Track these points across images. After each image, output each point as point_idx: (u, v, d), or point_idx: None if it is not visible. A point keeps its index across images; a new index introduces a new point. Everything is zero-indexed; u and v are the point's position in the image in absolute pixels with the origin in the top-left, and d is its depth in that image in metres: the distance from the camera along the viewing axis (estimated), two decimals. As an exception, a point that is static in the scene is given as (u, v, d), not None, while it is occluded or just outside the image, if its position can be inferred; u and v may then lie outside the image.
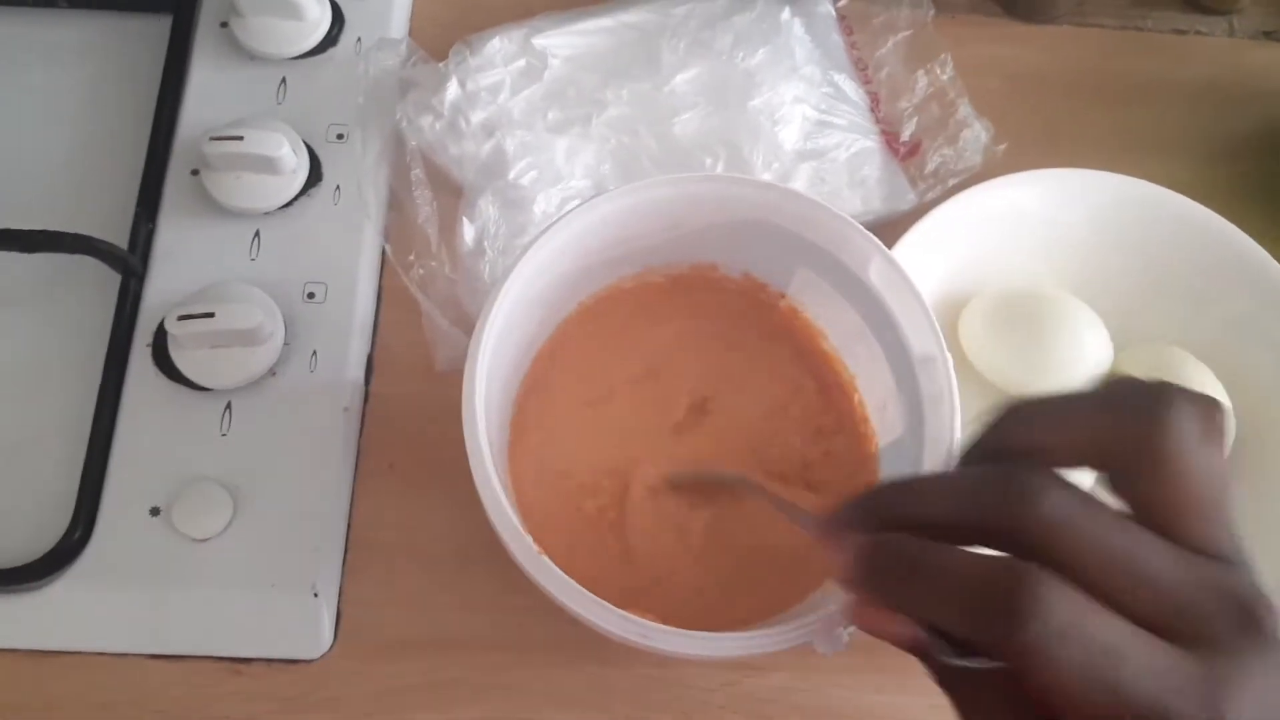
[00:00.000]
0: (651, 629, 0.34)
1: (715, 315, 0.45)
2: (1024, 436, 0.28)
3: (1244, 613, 0.25)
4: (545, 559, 0.35)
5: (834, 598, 0.35)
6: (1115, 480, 0.27)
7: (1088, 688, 0.24)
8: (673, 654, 0.34)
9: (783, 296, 0.45)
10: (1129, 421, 0.27)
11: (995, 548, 0.26)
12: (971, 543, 0.27)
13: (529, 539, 0.35)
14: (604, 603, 0.34)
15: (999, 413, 0.28)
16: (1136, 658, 0.24)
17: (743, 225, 0.42)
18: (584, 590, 0.34)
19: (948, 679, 0.28)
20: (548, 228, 0.39)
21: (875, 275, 0.40)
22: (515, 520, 0.35)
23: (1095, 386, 0.28)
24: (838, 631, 0.34)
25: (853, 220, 0.41)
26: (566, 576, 0.35)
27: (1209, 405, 0.27)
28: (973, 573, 0.25)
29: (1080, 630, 0.24)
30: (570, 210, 0.40)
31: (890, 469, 0.42)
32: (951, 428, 0.38)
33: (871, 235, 0.40)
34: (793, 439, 0.44)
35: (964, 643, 0.27)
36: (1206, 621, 0.25)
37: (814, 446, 0.43)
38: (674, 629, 0.34)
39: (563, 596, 0.34)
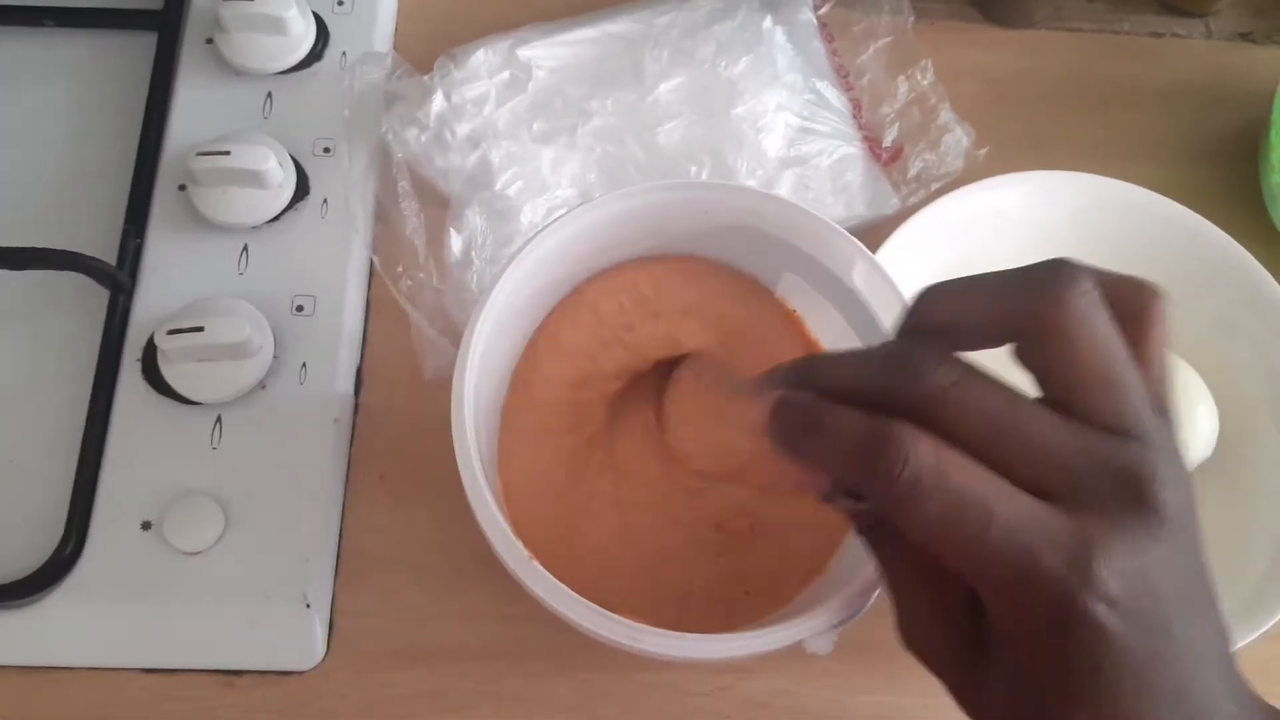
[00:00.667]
0: (642, 631, 0.34)
1: (706, 316, 0.46)
2: (936, 314, 0.29)
3: (1131, 483, 0.26)
4: (536, 564, 0.35)
5: (824, 601, 0.36)
6: (1021, 354, 0.28)
7: (951, 537, 0.26)
8: (663, 656, 0.35)
9: (772, 298, 0.45)
10: (1031, 294, 0.28)
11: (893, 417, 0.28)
12: (869, 410, 0.28)
13: (519, 544, 0.35)
14: (594, 606, 0.34)
15: (916, 294, 0.30)
16: (1005, 511, 0.25)
17: (727, 231, 0.43)
18: (575, 595, 0.35)
19: (862, 529, 0.32)
20: (534, 236, 0.40)
21: (859, 278, 0.41)
22: (505, 526, 0.35)
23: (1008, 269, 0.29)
24: (828, 633, 0.35)
25: (835, 224, 0.41)
26: (557, 581, 0.35)
27: (1134, 284, 0.29)
28: (853, 429, 0.27)
29: (944, 482, 0.26)
30: (556, 219, 0.40)
31: None
32: None
33: (854, 239, 0.41)
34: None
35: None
36: (1088, 488, 0.26)
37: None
38: (664, 631, 0.34)
39: (554, 602, 0.35)
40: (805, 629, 0.35)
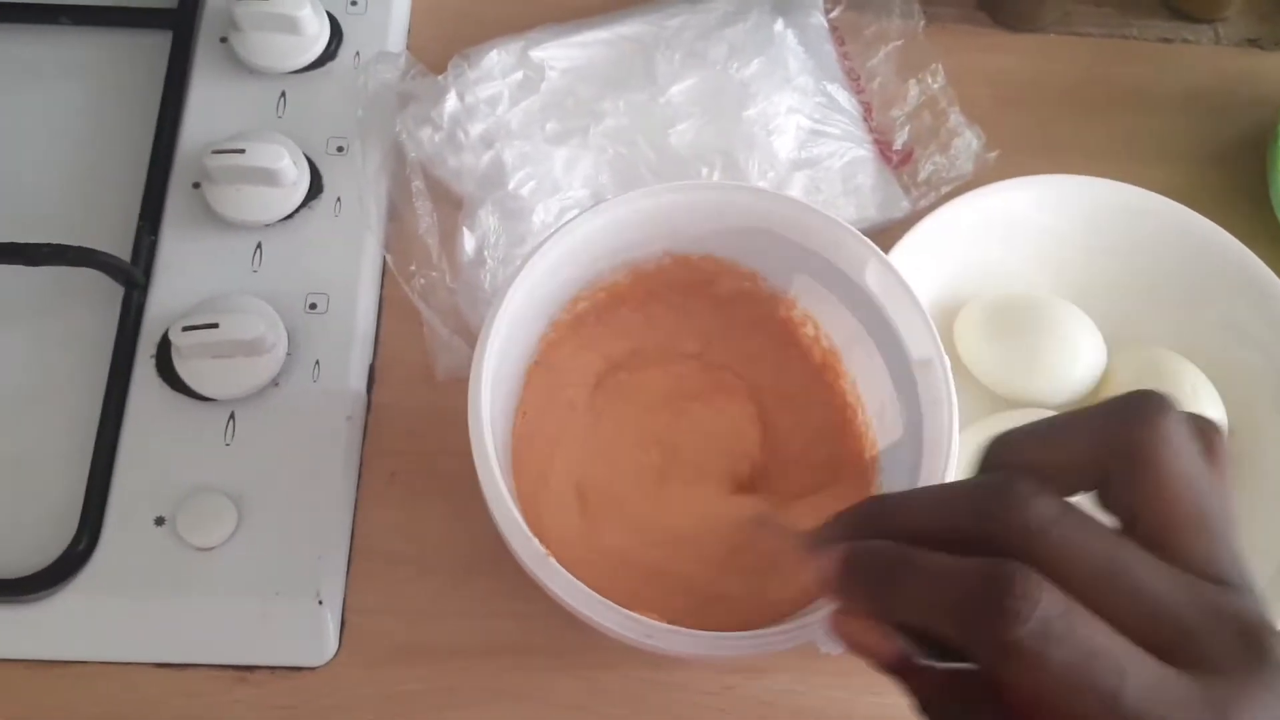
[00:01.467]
0: (656, 629, 0.34)
1: (716, 316, 0.46)
2: (1015, 458, 0.27)
3: (1245, 636, 0.24)
4: (553, 561, 0.35)
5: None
6: (1108, 497, 0.26)
7: (1081, 695, 0.23)
8: (677, 654, 0.35)
9: (785, 299, 0.46)
10: (1120, 428, 0.26)
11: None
12: (955, 553, 0.26)
13: (536, 541, 0.35)
14: (611, 604, 0.35)
15: (987, 442, 0.28)
16: (1134, 670, 0.23)
17: (740, 232, 0.43)
18: (591, 592, 0.35)
19: (930, 705, 0.27)
20: (548, 237, 0.40)
21: (872, 279, 0.41)
22: (522, 523, 0.35)
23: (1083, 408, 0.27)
24: None
25: (848, 225, 0.41)
26: (573, 578, 0.35)
27: (1205, 422, 0.27)
28: (960, 570, 0.24)
29: (1073, 633, 0.23)
30: (570, 219, 0.41)
31: (890, 471, 0.42)
32: (950, 430, 0.38)
33: (867, 239, 0.41)
34: (793, 442, 0.44)
35: (945, 650, 0.26)
36: (1205, 643, 0.24)
37: (815, 450, 0.44)
38: (678, 628, 0.35)
39: (570, 599, 0.35)
40: (817, 628, 0.35)
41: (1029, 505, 0.25)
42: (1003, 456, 0.27)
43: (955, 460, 0.38)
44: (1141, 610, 0.24)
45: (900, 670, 0.28)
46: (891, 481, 0.42)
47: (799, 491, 0.43)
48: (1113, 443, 0.26)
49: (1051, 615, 0.23)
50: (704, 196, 0.43)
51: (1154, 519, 0.25)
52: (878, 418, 0.43)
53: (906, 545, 0.26)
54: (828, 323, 0.45)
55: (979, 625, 0.24)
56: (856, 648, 0.28)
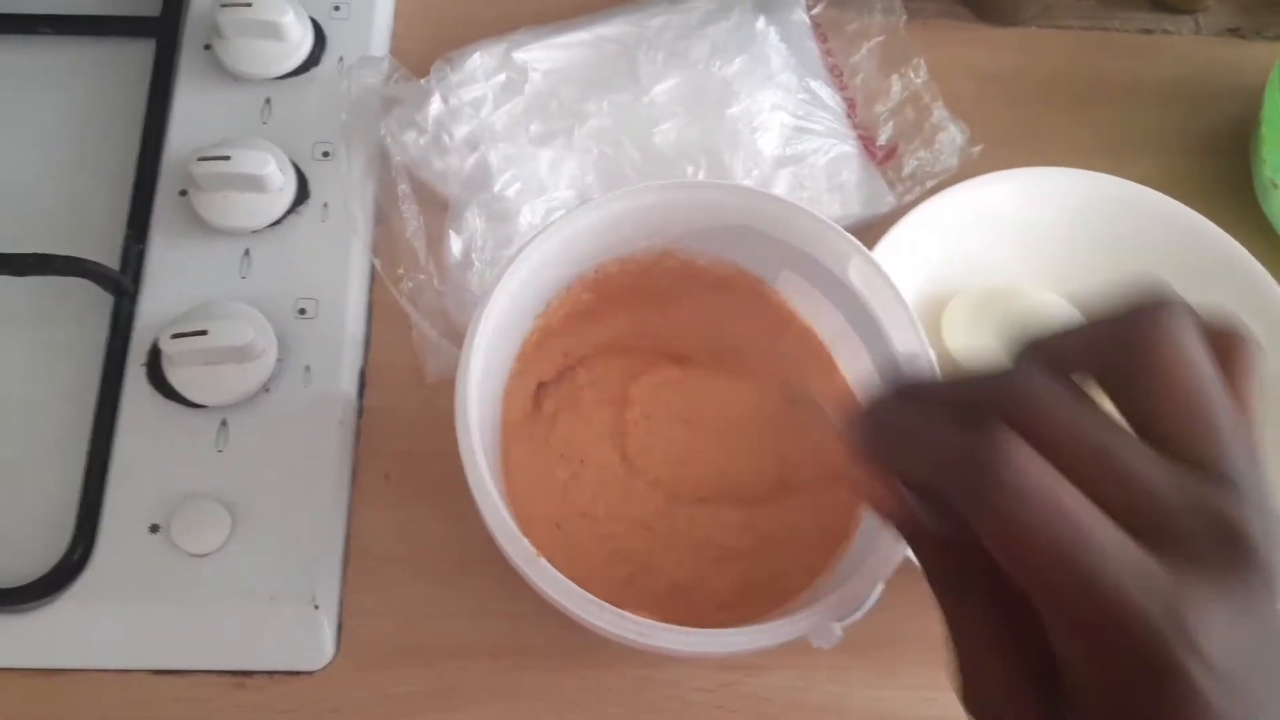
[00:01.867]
0: (648, 626, 0.35)
1: (703, 312, 0.46)
2: (1030, 356, 0.28)
3: (1229, 534, 0.24)
4: (543, 561, 0.35)
5: (828, 594, 0.36)
6: (1110, 385, 0.27)
7: (1054, 560, 0.23)
8: (669, 651, 0.35)
9: (771, 295, 0.46)
10: (1126, 316, 0.27)
11: None
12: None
13: (525, 541, 0.35)
14: (601, 602, 0.35)
15: (1018, 341, 0.28)
16: (1107, 544, 0.23)
17: (724, 230, 0.43)
18: (582, 591, 0.35)
19: (933, 568, 0.29)
20: (533, 238, 0.40)
21: (855, 275, 0.41)
22: (511, 523, 0.36)
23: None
24: (832, 625, 0.35)
25: (830, 221, 0.41)
26: (563, 577, 0.35)
27: (1227, 329, 0.27)
28: (954, 432, 0.26)
29: (1051, 499, 0.24)
30: (555, 220, 0.41)
31: None
32: None
33: (849, 235, 0.41)
34: (781, 434, 0.44)
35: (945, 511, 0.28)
36: (1185, 534, 0.24)
37: (797, 444, 0.44)
38: (670, 626, 0.35)
39: (561, 598, 0.35)
40: (808, 623, 0.35)
41: (1028, 380, 0.26)
42: (1025, 353, 0.28)
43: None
44: (1125, 492, 0.24)
45: (908, 532, 0.30)
46: None
47: (785, 488, 0.43)
48: (1119, 337, 0.26)
49: (1027, 476, 0.24)
50: (686, 195, 0.43)
51: (1150, 411, 0.26)
52: None
53: (918, 408, 0.27)
54: (813, 318, 0.45)
55: (961, 481, 0.25)
56: (860, 493, 0.30)
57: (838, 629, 0.35)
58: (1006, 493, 0.24)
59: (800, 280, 0.44)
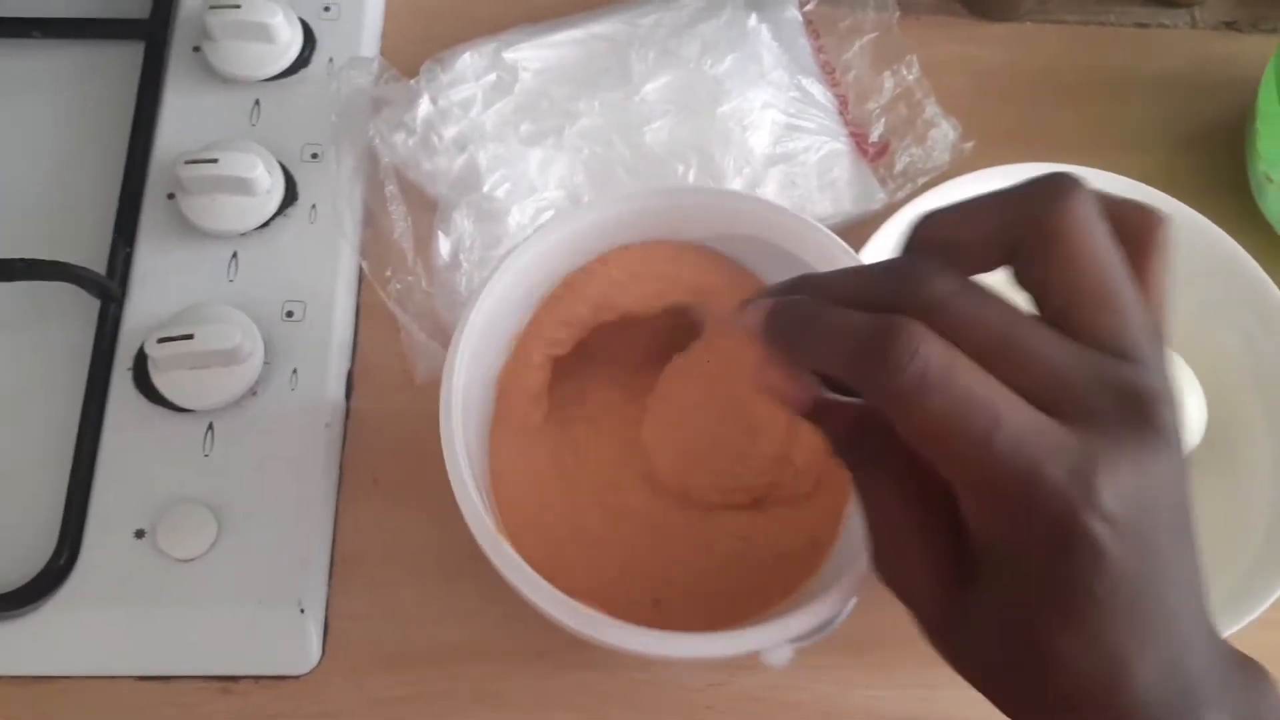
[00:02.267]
0: (598, 620, 0.35)
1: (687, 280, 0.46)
2: (934, 234, 0.29)
3: (1132, 402, 0.25)
4: (521, 560, 0.35)
5: (789, 613, 0.36)
6: (1019, 270, 0.28)
7: (956, 439, 0.25)
8: (619, 649, 0.35)
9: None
10: (1032, 202, 0.27)
11: None
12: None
13: (507, 545, 0.35)
14: (596, 613, 0.35)
15: (914, 217, 0.29)
16: (1010, 417, 0.25)
17: (735, 239, 0.43)
18: (571, 600, 0.35)
19: (841, 446, 0.31)
20: (522, 242, 0.40)
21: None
22: (492, 526, 0.36)
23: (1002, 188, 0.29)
24: (785, 645, 0.35)
25: (845, 245, 0.41)
26: (546, 582, 0.35)
27: (1135, 208, 0.28)
28: (857, 323, 0.27)
29: (951, 380, 0.25)
30: (545, 223, 0.41)
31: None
32: None
33: (857, 257, 0.41)
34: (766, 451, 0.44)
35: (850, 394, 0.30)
36: (1089, 405, 0.25)
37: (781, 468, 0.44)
38: (613, 620, 0.35)
39: (534, 596, 0.35)
40: (760, 640, 0.35)
41: (930, 281, 0.26)
42: (922, 233, 0.29)
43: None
44: (1029, 372, 0.25)
45: (813, 414, 0.31)
46: None
47: (781, 497, 0.43)
48: (1023, 220, 0.27)
49: (929, 362, 0.25)
50: (680, 200, 0.43)
51: (1058, 293, 0.27)
52: None
53: (822, 302, 0.28)
54: None
55: (868, 372, 0.26)
56: (773, 393, 0.31)
57: (789, 650, 0.35)
58: (913, 379, 0.25)
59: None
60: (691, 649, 0.35)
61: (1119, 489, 0.24)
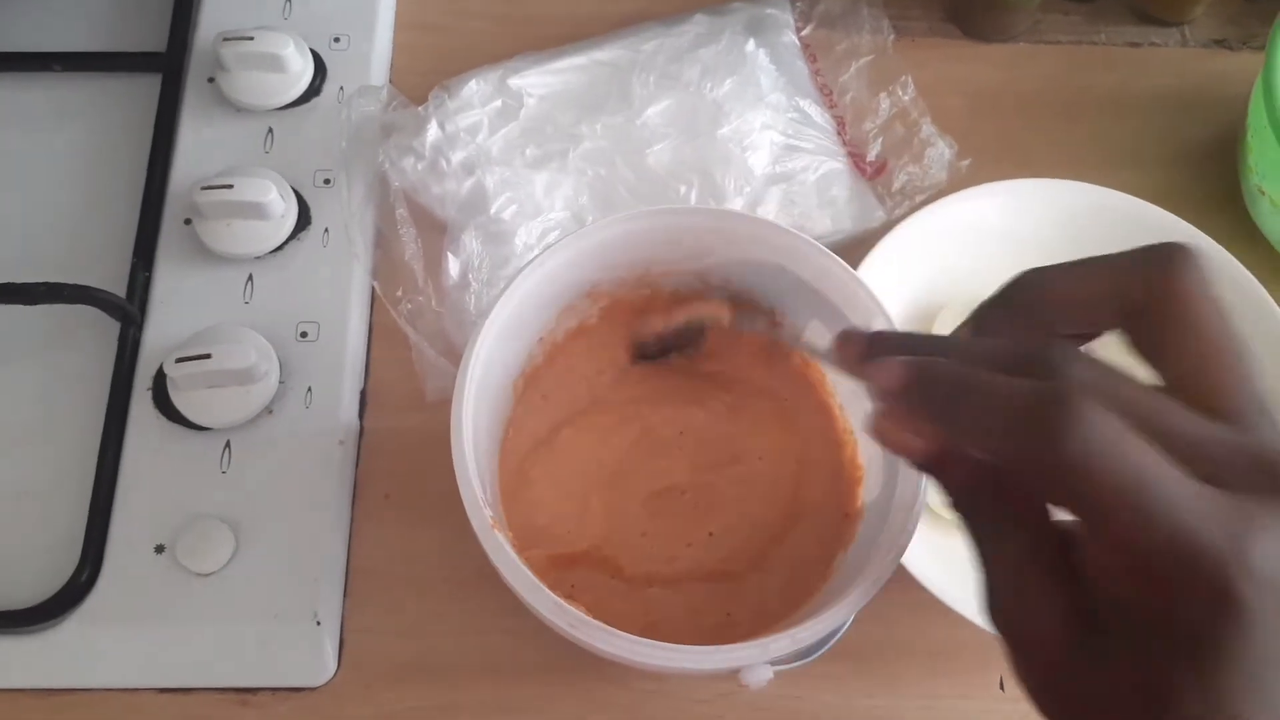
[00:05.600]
0: (591, 626, 0.35)
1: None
2: (1041, 293, 0.28)
3: (1267, 468, 0.25)
4: (528, 571, 0.36)
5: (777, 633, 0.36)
6: (1137, 338, 0.28)
7: (1121, 508, 0.24)
8: (611, 656, 0.36)
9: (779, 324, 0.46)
10: (1153, 268, 0.27)
11: None
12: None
13: (517, 558, 0.36)
14: (602, 625, 0.35)
15: (1018, 275, 0.29)
16: (1171, 485, 0.24)
17: (747, 265, 0.44)
18: (580, 612, 0.36)
19: (965, 502, 0.30)
20: (529, 262, 0.41)
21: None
22: (503, 541, 0.36)
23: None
24: (763, 666, 0.35)
25: (862, 280, 0.41)
26: (556, 597, 0.36)
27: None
28: (1019, 391, 0.26)
29: (1118, 450, 0.25)
30: (552, 244, 0.41)
31: (871, 517, 0.42)
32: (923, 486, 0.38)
33: (877, 298, 0.41)
34: (784, 477, 0.45)
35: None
36: (1231, 473, 0.25)
37: (799, 497, 0.44)
38: (609, 628, 0.35)
39: (558, 619, 0.35)
40: (739, 658, 0.35)
41: (1075, 355, 0.26)
42: (1032, 291, 0.29)
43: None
44: (1173, 445, 0.25)
45: (932, 465, 0.30)
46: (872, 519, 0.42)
47: (794, 518, 0.44)
48: (1145, 282, 0.27)
49: (1100, 435, 0.24)
50: (683, 220, 0.43)
51: (1185, 358, 0.27)
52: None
53: (971, 367, 0.28)
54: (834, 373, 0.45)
55: (1032, 442, 0.25)
56: (890, 444, 0.30)
57: (769, 671, 0.35)
58: (1077, 450, 0.24)
59: (825, 330, 0.44)
60: (671, 660, 0.35)
61: (1267, 553, 0.24)
